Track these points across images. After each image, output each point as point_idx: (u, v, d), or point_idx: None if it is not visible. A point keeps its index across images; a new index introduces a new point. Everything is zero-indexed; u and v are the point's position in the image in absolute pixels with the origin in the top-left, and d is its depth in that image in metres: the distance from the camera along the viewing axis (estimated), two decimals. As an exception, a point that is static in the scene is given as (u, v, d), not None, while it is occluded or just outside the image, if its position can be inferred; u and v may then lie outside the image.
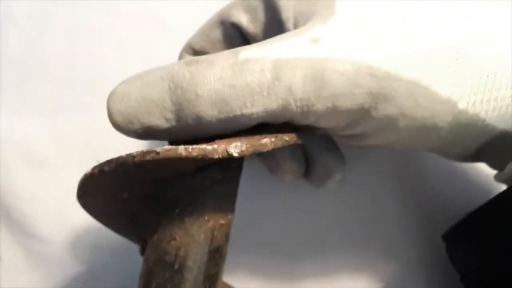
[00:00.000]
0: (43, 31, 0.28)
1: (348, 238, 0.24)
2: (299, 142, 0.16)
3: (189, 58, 0.17)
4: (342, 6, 0.16)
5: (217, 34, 0.20)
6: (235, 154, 0.14)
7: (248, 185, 0.20)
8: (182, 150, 0.14)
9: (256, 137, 0.15)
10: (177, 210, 0.16)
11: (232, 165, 0.17)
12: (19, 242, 0.25)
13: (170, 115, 0.15)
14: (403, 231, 0.24)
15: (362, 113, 0.16)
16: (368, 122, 0.16)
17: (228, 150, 0.14)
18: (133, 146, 0.27)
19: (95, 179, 0.16)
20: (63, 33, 0.28)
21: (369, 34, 0.15)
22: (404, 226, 0.24)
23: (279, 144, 0.15)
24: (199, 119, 0.15)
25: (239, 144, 0.14)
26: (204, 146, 0.14)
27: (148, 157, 0.14)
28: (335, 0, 0.16)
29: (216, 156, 0.14)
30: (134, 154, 0.14)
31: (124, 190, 0.16)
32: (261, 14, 0.19)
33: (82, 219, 0.22)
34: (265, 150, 0.15)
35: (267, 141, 0.15)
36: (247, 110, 0.15)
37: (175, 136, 0.16)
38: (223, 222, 0.17)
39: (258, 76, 0.15)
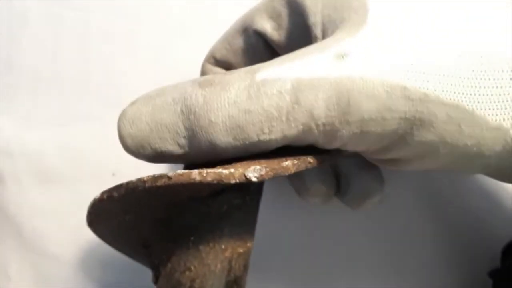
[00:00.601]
0: (56, 38, 0.27)
1: (377, 265, 0.23)
2: (326, 164, 0.15)
3: (203, 77, 0.15)
4: (375, 14, 0.15)
5: (240, 42, 0.19)
6: (254, 179, 0.13)
7: (269, 205, 0.19)
8: (196, 174, 0.12)
9: (277, 160, 0.14)
10: (191, 238, 0.15)
11: (251, 188, 0.15)
12: (29, 261, 0.24)
13: (183, 141, 0.14)
14: (440, 260, 0.22)
15: (396, 139, 0.14)
16: (404, 148, 0.14)
17: (246, 174, 0.13)
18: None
19: (104, 205, 0.14)
20: (77, 40, 0.27)
21: (404, 48, 0.14)
22: (441, 255, 0.22)
23: (303, 166, 0.14)
24: (213, 146, 0.14)
25: (258, 167, 0.13)
26: (219, 170, 0.13)
27: (160, 183, 0.13)
28: (367, 3, 0.15)
29: (233, 181, 0.13)
30: (145, 178, 0.13)
31: (135, 216, 0.15)
32: (286, 20, 0.17)
33: (94, 236, 0.21)
34: (287, 173, 0.13)
35: (289, 164, 0.14)
36: (265, 137, 0.14)
37: (189, 160, 0.15)
38: (241, 250, 0.15)
39: (276, 100, 0.13)
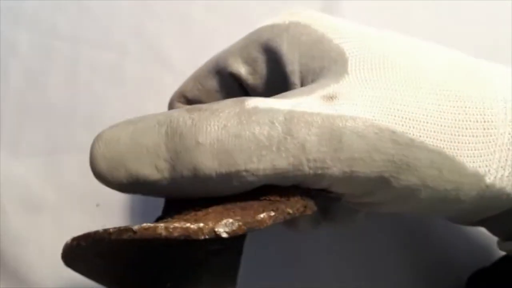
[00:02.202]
0: (44, 66, 0.27)
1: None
2: (307, 213, 0.14)
3: (188, 106, 0.15)
4: (354, 64, 0.14)
5: (213, 83, 0.18)
6: (224, 235, 0.12)
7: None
8: (162, 229, 0.12)
9: (253, 210, 0.13)
10: (168, 285, 0.14)
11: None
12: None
13: (162, 164, 0.13)
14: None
15: (381, 182, 0.14)
16: (387, 191, 0.14)
17: (216, 230, 0.12)
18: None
19: (76, 250, 0.14)
20: (64, 69, 0.27)
21: (388, 95, 0.14)
22: (407, 281, 0.23)
23: (280, 218, 0.13)
24: (195, 172, 0.13)
25: (230, 221, 0.12)
26: (187, 225, 0.12)
27: (125, 236, 0.12)
28: (345, 52, 0.15)
29: (202, 237, 0.12)
30: (111, 230, 0.12)
31: (108, 260, 0.15)
32: (262, 66, 0.17)
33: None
34: (261, 227, 0.13)
35: (265, 217, 0.13)
36: (253, 166, 0.13)
37: (165, 192, 0.14)
38: (221, 299, 0.15)
39: (267, 129, 0.13)
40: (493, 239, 0.18)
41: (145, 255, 0.15)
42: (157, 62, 0.27)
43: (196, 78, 0.19)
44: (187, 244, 0.14)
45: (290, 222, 0.20)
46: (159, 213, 0.16)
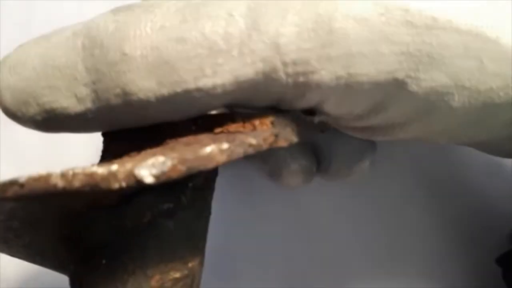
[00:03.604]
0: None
1: (368, 257, 0.19)
2: (280, 145, 0.10)
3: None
4: None
5: None
6: (149, 179, 0.08)
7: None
8: (57, 178, 0.08)
9: (199, 144, 0.09)
10: (103, 262, 0.10)
11: (190, 184, 0.11)
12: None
13: (83, 91, 0.10)
14: (440, 247, 0.19)
15: (394, 88, 0.10)
16: (404, 102, 0.10)
17: (137, 173, 0.08)
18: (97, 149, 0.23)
19: None
20: (19, 27, 0.23)
21: None
22: (441, 241, 0.19)
23: (238, 153, 0.09)
24: (126, 97, 0.09)
25: (160, 159, 0.08)
26: (93, 169, 0.08)
27: (10, 193, 0.08)
28: None
29: (115, 186, 0.08)
30: None
31: (21, 233, 0.11)
32: None
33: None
34: (210, 166, 0.09)
35: (214, 151, 0.08)
36: (206, 81, 0.09)
37: (95, 127, 0.11)
38: (177, 275, 0.11)
39: (223, 25, 0.09)
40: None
41: (73, 224, 0.10)
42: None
43: None
44: (127, 203, 0.10)
45: (273, 173, 0.16)
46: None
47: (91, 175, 0.08)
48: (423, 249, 0.19)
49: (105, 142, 0.12)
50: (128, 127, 0.11)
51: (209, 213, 0.12)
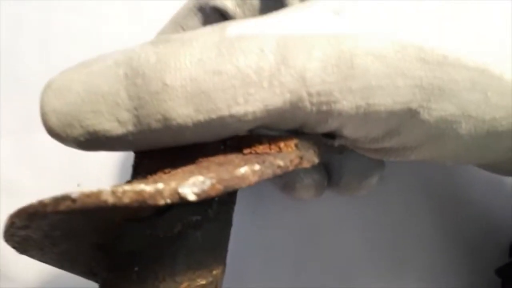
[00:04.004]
0: (17, 40, 0.24)
1: (377, 263, 0.20)
2: (304, 166, 0.11)
3: (156, 38, 0.12)
4: None
5: (194, 23, 0.15)
6: (191, 197, 0.09)
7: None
8: (108, 195, 0.09)
9: (232, 165, 0.10)
10: (135, 269, 0.11)
11: (216, 198, 0.12)
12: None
13: (125, 116, 0.11)
14: (441, 258, 0.20)
15: (408, 116, 0.11)
16: (416, 128, 0.11)
17: (181, 191, 0.09)
18: (118, 164, 0.23)
19: (16, 231, 0.11)
20: (38, 41, 0.24)
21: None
22: (442, 251, 0.20)
23: (268, 173, 0.10)
24: (166, 122, 0.10)
25: (200, 179, 0.09)
26: (141, 187, 0.09)
27: (62, 207, 0.09)
28: None
29: (161, 202, 0.09)
30: (46, 201, 0.09)
31: (57, 241, 0.12)
32: None
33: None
34: (244, 185, 0.10)
35: (247, 172, 0.09)
36: (239, 109, 0.10)
37: (134, 146, 0.11)
38: (204, 282, 0.12)
39: (256, 59, 0.10)
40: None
41: (107, 234, 0.11)
42: (137, 24, 0.23)
43: (175, 20, 0.16)
44: (160, 215, 0.11)
45: (286, 187, 0.17)
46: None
47: (140, 192, 0.09)
48: (426, 260, 0.20)
49: (136, 159, 0.13)
50: (163, 147, 0.11)
51: (231, 225, 0.13)
